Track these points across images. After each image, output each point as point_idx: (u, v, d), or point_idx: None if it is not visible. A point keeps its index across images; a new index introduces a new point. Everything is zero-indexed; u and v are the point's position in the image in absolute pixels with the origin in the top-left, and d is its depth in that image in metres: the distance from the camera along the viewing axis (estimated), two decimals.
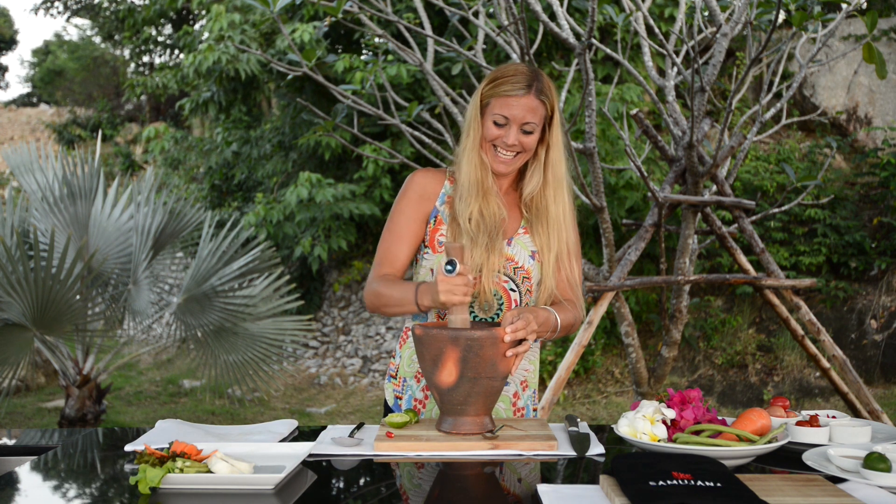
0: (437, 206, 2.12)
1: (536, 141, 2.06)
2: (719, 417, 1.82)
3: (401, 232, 2.11)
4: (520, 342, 1.85)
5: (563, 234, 2.10)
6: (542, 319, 1.93)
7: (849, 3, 3.99)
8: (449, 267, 1.88)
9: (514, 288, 2.09)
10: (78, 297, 5.02)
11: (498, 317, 2.08)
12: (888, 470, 1.51)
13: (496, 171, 2.07)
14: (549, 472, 1.69)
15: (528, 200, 2.12)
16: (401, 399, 2.17)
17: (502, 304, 2.09)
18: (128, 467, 1.74)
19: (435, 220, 2.11)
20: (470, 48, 4.41)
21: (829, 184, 8.20)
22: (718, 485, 1.40)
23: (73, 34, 24.27)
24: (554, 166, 2.08)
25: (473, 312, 2.08)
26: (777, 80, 4.54)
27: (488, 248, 2.03)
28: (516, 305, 2.09)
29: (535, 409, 2.20)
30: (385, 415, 2.21)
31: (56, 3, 18.50)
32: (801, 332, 4.47)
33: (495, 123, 2.02)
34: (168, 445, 1.62)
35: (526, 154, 2.06)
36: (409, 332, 2.17)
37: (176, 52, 15.06)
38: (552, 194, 2.09)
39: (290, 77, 8.75)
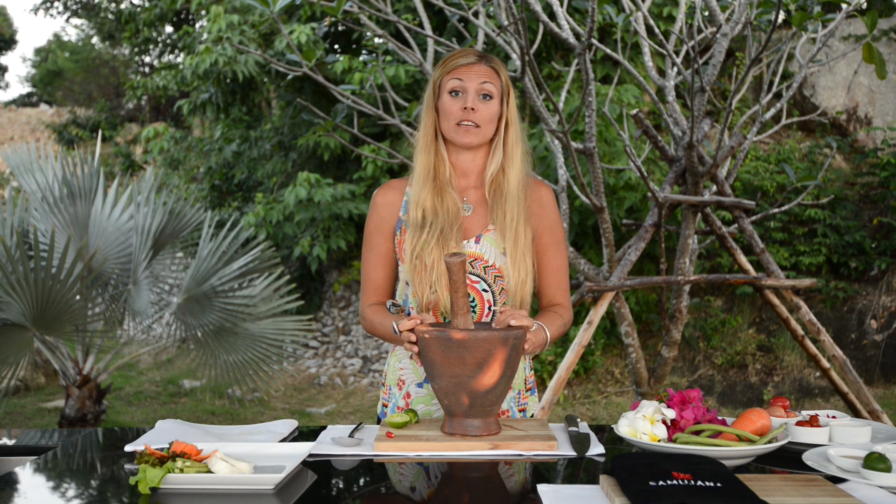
0: (401, 217, 2.07)
1: (496, 113, 2.00)
2: (719, 417, 1.81)
3: (373, 256, 2.09)
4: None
5: (519, 206, 2.01)
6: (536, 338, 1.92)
7: (849, 3, 3.99)
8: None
9: (487, 288, 2.02)
10: (78, 297, 5.02)
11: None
12: (888, 470, 1.51)
13: (462, 143, 2.00)
14: (549, 472, 1.69)
15: (489, 183, 2.05)
16: (387, 406, 2.15)
17: (475, 305, 2.02)
18: (128, 467, 1.74)
19: (400, 231, 2.07)
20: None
21: (829, 184, 8.20)
22: (718, 485, 1.40)
23: (72, 34, 24.25)
24: (511, 144, 2.04)
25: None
26: (777, 80, 4.54)
27: (440, 244, 1.96)
28: (490, 307, 2.03)
29: (521, 410, 2.13)
30: (377, 422, 2.18)
31: (56, 4, 18.49)
32: (801, 332, 4.47)
33: (452, 94, 1.99)
34: (168, 445, 1.62)
35: (488, 125, 2.00)
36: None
37: (176, 52, 15.06)
38: (509, 170, 2.03)
39: (289, 77, 8.75)
